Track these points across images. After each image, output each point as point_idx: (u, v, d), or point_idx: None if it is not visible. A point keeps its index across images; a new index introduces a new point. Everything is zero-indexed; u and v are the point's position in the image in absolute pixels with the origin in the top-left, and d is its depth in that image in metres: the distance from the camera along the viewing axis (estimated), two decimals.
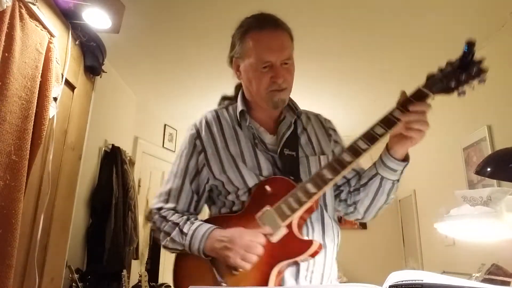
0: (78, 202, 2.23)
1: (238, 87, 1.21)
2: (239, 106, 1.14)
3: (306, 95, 3.47)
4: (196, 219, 1.09)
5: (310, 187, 0.96)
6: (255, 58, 1.06)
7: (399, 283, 0.52)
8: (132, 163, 3.30)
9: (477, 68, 0.99)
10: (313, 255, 0.95)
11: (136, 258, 3.11)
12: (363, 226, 4.39)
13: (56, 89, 1.65)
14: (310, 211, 1.01)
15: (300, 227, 1.00)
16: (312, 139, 1.16)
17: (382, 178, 1.05)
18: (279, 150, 1.08)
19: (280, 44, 1.07)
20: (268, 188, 1.02)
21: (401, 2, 2.22)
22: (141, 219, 3.42)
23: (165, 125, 4.18)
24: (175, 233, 1.05)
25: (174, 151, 4.28)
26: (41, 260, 1.65)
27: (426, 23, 2.41)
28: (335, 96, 3.55)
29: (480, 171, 1.37)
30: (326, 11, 2.34)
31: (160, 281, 3.56)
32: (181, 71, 3.13)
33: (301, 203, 0.95)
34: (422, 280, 0.51)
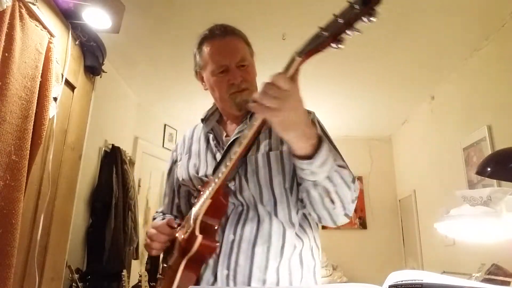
0: (78, 202, 2.23)
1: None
2: (203, 114, 1.22)
3: (305, 97, 3.47)
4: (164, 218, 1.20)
5: (212, 183, 1.00)
6: (212, 65, 1.10)
7: (399, 283, 0.52)
8: (132, 163, 3.30)
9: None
10: (204, 252, 0.96)
11: (136, 258, 3.11)
12: (363, 226, 4.39)
13: (56, 89, 1.66)
14: (220, 208, 1.00)
15: (210, 226, 0.99)
16: (272, 136, 1.08)
17: (302, 179, 0.94)
18: (225, 149, 1.08)
19: (231, 48, 1.10)
20: (201, 189, 1.07)
21: (401, 4, 2.22)
22: (141, 219, 3.42)
23: (165, 125, 4.18)
24: None
25: None
26: (41, 260, 1.65)
27: (426, 23, 2.41)
28: (333, 96, 3.55)
29: (480, 171, 1.37)
30: (325, 13, 2.34)
31: None
32: (181, 71, 3.13)
33: (205, 200, 1.00)
34: (422, 280, 0.51)
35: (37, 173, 1.61)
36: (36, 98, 1.49)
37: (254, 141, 0.97)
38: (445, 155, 3.17)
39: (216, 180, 0.98)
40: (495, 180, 2.23)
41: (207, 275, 0.99)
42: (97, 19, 1.85)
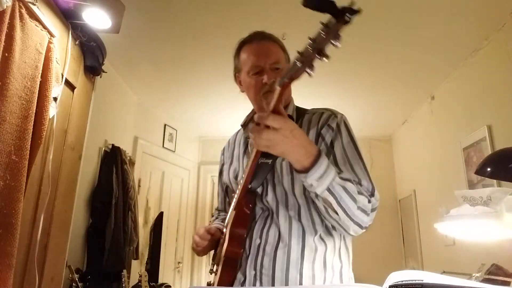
0: (78, 202, 2.23)
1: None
2: (242, 121, 1.29)
3: (305, 97, 3.47)
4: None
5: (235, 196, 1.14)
6: (247, 66, 1.17)
7: (399, 283, 0.52)
8: (132, 163, 3.30)
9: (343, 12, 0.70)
10: (230, 256, 1.09)
11: (136, 258, 3.11)
12: None
13: (56, 89, 1.65)
14: (244, 217, 1.11)
15: (238, 233, 1.11)
16: None
17: (309, 191, 1.01)
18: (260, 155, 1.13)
19: (266, 50, 1.17)
20: (233, 195, 1.18)
21: (401, 3, 2.22)
22: (141, 219, 3.42)
23: (165, 125, 4.18)
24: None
25: (174, 151, 4.28)
26: (41, 260, 1.65)
27: (426, 23, 2.41)
28: (333, 96, 3.55)
29: (480, 171, 1.37)
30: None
31: (160, 281, 3.56)
32: (181, 71, 3.13)
33: (231, 211, 1.14)
34: (422, 280, 0.51)
35: (37, 173, 1.61)
36: (36, 98, 1.49)
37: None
38: (445, 155, 3.16)
39: (239, 187, 1.11)
40: (495, 180, 2.23)
41: (239, 275, 1.11)
42: (97, 19, 1.85)
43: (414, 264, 3.90)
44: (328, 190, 0.91)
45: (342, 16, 0.69)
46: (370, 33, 2.53)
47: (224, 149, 1.39)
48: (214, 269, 1.22)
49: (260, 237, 1.09)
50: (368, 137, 4.60)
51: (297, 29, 2.56)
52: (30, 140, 1.44)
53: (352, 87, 3.37)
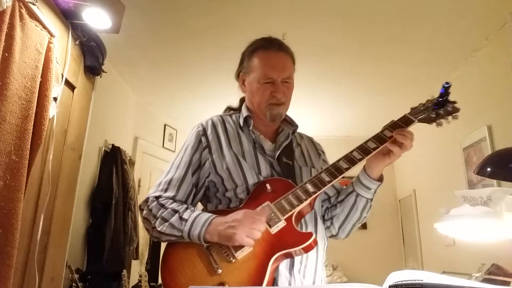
0: (78, 202, 2.23)
1: (242, 100, 1.33)
2: (244, 113, 1.24)
3: (306, 97, 3.47)
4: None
5: (310, 187, 1.06)
6: (260, 73, 1.18)
7: (399, 283, 0.52)
8: (132, 163, 3.30)
9: (451, 108, 1.15)
10: (306, 248, 1.01)
11: (136, 258, 3.11)
12: (363, 226, 4.39)
13: (56, 89, 1.65)
14: (306, 211, 1.11)
15: (296, 223, 1.07)
16: (304, 153, 1.29)
17: (358, 195, 1.16)
18: (277, 156, 1.19)
19: (282, 64, 1.19)
20: (268, 186, 1.09)
21: (401, 3, 2.22)
22: (141, 219, 3.42)
23: (165, 125, 4.18)
24: (174, 219, 1.06)
25: (174, 151, 4.28)
26: (41, 260, 1.65)
27: (426, 23, 2.41)
28: (333, 96, 3.55)
29: (480, 171, 1.37)
30: (325, 13, 2.34)
31: (160, 281, 3.56)
32: (181, 71, 3.13)
33: (301, 200, 1.04)
34: (422, 280, 0.51)
35: (37, 173, 1.61)
36: (36, 98, 1.49)
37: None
38: (445, 155, 3.16)
39: (317, 186, 1.06)
40: (495, 180, 2.23)
41: (284, 271, 1.05)
42: (97, 19, 1.85)
43: (414, 264, 3.90)
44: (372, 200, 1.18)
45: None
46: (370, 33, 2.53)
47: (205, 131, 1.20)
48: (218, 265, 0.99)
49: None
50: (368, 137, 4.60)
51: (297, 29, 2.57)
52: (30, 140, 1.44)
53: (352, 87, 3.37)
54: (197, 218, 1.03)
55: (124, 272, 2.51)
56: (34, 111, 1.48)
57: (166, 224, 1.06)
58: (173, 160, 1.20)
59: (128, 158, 3.18)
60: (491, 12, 2.27)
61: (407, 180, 4.18)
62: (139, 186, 3.55)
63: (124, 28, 2.06)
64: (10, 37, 1.34)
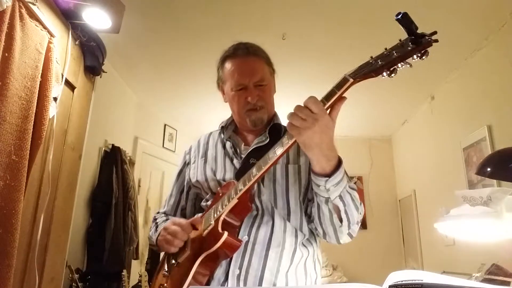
0: (78, 202, 2.23)
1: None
2: (222, 123, 1.28)
3: (305, 97, 3.47)
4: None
5: (239, 185, 1.01)
6: (231, 81, 1.17)
7: (399, 283, 0.52)
8: (132, 163, 3.30)
9: (424, 40, 0.87)
10: (226, 248, 0.98)
11: (136, 258, 3.11)
12: (363, 226, 4.39)
13: (56, 89, 1.65)
14: (244, 210, 1.03)
15: (232, 226, 1.03)
16: (291, 149, 1.15)
17: (316, 194, 0.99)
18: (243, 158, 1.15)
19: (250, 69, 1.16)
20: (220, 190, 1.12)
21: (401, 3, 2.22)
22: (141, 219, 3.42)
23: (165, 125, 4.18)
24: (152, 231, 1.22)
25: (174, 151, 4.28)
26: (41, 260, 1.64)
27: (426, 23, 2.41)
28: None
29: (480, 171, 1.37)
30: (325, 13, 2.34)
31: None
32: (181, 71, 3.13)
33: (229, 200, 1.01)
34: (422, 280, 0.51)
35: (37, 173, 1.61)
36: (36, 98, 1.49)
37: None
38: (445, 155, 3.16)
39: (245, 182, 0.99)
40: (495, 180, 2.23)
41: (219, 274, 1.03)
42: (97, 19, 1.85)
43: (414, 264, 3.90)
44: (340, 197, 0.94)
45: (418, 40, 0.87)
46: (370, 33, 2.53)
47: (190, 149, 1.33)
48: (167, 269, 1.10)
49: (249, 235, 1.05)
50: (368, 137, 4.60)
51: (297, 29, 2.57)
52: (30, 140, 1.44)
53: (352, 87, 3.36)
54: (159, 226, 1.16)
55: (124, 272, 2.51)
56: (34, 111, 1.48)
57: (149, 235, 1.24)
58: None
59: (128, 158, 3.18)
60: (491, 12, 2.27)
61: (407, 180, 4.18)
62: (139, 186, 3.55)
63: (124, 28, 2.06)
64: (10, 37, 1.34)
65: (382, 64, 0.86)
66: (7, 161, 1.32)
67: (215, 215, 1.03)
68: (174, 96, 3.67)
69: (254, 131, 1.21)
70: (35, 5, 1.49)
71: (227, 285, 1.01)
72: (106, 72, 2.21)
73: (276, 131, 1.18)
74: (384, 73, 0.87)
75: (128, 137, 3.54)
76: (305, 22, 2.44)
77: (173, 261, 1.08)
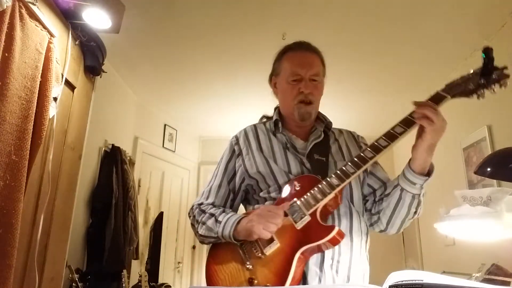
0: (78, 202, 2.23)
1: (276, 109, 1.37)
2: (274, 117, 1.30)
3: None
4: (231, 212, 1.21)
5: (334, 181, 1.05)
6: (288, 72, 1.23)
7: (399, 283, 0.52)
8: (132, 163, 3.30)
9: (497, 75, 1.10)
10: (333, 242, 1.01)
11: (136, 258, 3.11)
12: None
13: (56, 89, 1.65)
14: (335, 204, 1.10)
15: (325, 217, 1.09)
16: (342, 148, 1.27)
17: (402, 189, 1.09)
18: (307, 153, 1.20)
19: (309, 62, 1.23)
20: (296, 183, 1.12)
21: (402, 3, 2.22)
22: (141, 219, 3.42)
23: (165, 125, 4.18)
24: (210, 222, 1.16)
25: (174, 151, 4.28)
26: (41, 260, 1.64)
27: (426, 23, 2.41)
28: (333, 96, 3.55)
29: (480, 171, 1.37)
30: (325, 13, 2.34)
31: (160, 281, 3.56)
32: (181, 71, 3.13)
33: (324, 194, 1.04)
34: (422, 280, 0.51)
35: (37, 173, 1.61)
36: (36, 98, 1.49)
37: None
38: (445, 155, 3.16)
39: (342, 178, 1.04)
40: (495, 180, 2.23)
41: (312, 265, 1.06)
42: (97, 19, 1.85)
43: (414, 264, 3.90)
44: (423, 195, 1.11)
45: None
46: (369, 33, 2.53)
47: (237, 140, 1.30)
48: (249, 262, 1.05)
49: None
50: (368, 137, 4.59)
51: (297, 29, 2.57)
52: (30, 140, 1.44)
53: (352, 87, 3.37)
54: (229, 219, 1.12)
55: (124, 272, 2.51)
56: (34, 111, 1.48)
57: (204, 227, 1.17)
58: (214, 170, 1.32)
59: (128, 158, 3.18)
60: (491, 12, 2.27)
61: None
62: (139, 186, 3.55)
63: (124, 28, 2.06)
64: (10, 37, 1.34)
65: (473, 88, 1.11)
66: (7, 161, 1.32)
67: (308, 208, 1.04)
68: (174, 96, 3.67)
69: (302, 127, 1.26)
70: (35, 5, 1.49)
71: (324, 276, 1.05)
72: (106, 72, 2.21)
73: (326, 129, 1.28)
74: (474, 95, 1.12)
75: (128, 137, 3.54)
76: (305, 22, 2.44)
77: (259, 254, 1.05)
